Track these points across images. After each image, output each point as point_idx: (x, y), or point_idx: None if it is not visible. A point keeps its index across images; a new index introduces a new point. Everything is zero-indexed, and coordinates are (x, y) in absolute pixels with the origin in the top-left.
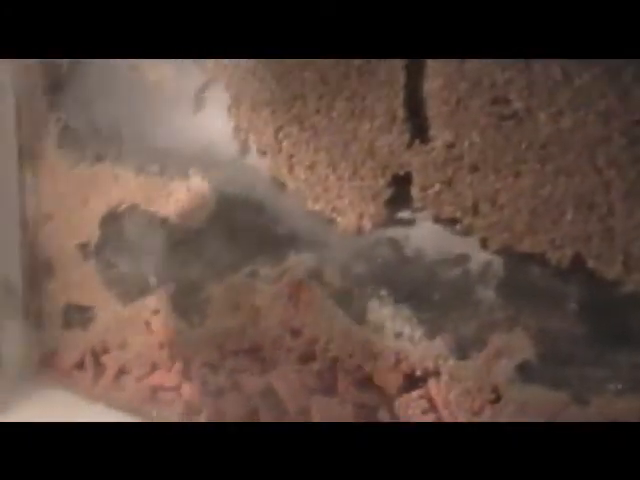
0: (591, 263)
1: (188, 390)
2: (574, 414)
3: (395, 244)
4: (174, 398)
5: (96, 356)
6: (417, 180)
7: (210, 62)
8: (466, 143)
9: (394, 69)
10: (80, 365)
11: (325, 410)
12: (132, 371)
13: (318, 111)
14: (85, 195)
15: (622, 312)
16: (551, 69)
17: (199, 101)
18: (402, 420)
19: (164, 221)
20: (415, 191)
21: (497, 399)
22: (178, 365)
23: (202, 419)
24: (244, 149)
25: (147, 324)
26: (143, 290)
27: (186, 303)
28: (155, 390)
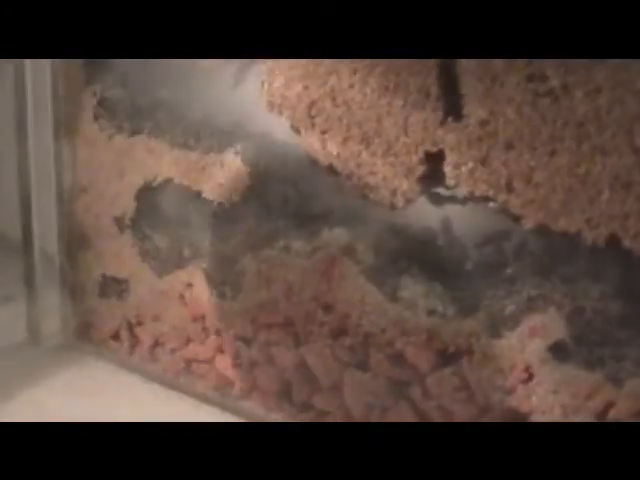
0: (627, 243)
1: (221, 363)
2: (608, 394)
3: (429, 221)
4: (208, 370)
5: (131, 327)
6: (450, 157)
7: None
8: (501, 120)
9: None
10: (116, 336)
11: (357, 385)
12: (166, 343)
13: (352, 86)
14: (121, 168)
15: None
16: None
17: (238, 75)
18: (434, 397)
19: (198, 195)
20: (448, 168)
21: (530, 378)
22: (212, 338)
23: (235, 392)
24: (278, 124)
25: (181, 297)
26: (178, 263)
27: (220, 277)
28: (189, 362)
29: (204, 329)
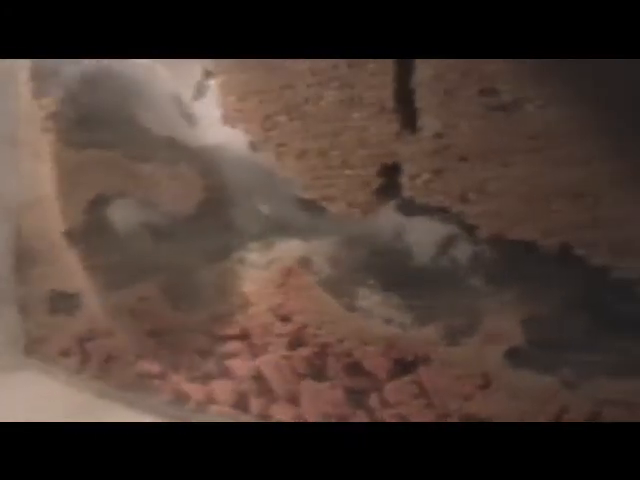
0: (579, 251)
1: (176, 377)
2: (563, 398)
3: (386, 232)
4: (162, 385)
5: (82, 343)
6: (406, 169)
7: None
8: (455, 133)
9: (383, 60)
10: (66, 352)
11: (315, 395)
12: (119, 358)
13: (307, 100)
14: (71, 182)
15: (609, 298)
16: (538, 62)
17: (195, 89)
18: (393, 405)
19: (152, 208)
20: (404, 180)
21: (487, 384)
22: (166, 352)
23: (190, 405)
24: (234, 138)
25: (134, 311)
26: (131, 277)
27: (175, 290)
28: (143, 377)
29: (158, 343)
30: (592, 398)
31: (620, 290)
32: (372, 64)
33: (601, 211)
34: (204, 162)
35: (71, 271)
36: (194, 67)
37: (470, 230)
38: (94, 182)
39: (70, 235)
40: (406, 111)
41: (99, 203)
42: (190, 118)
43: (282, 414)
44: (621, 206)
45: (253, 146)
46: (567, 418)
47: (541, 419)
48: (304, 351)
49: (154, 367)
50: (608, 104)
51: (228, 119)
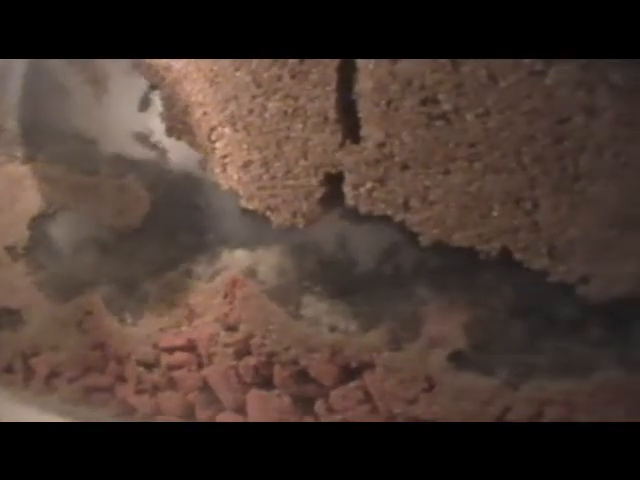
0: (518, 255)
1: (123, 390)
2: (506, 399)
3: (329, 241)
4: (109, 398)
5: (26, 359)
6: (349, 179)
7: (144, 65)
8: (397, 142)
9: (326, 71)
10: (9, 368)
11: (261, 404)
12: (64, 373)
13: (251, 111)
14: (13, 196)
15: (548, 300)
16: (477, 71)
17: (141, 102)
18: (339, 411)
19: (98, 221)
20: (347, 189)
21: (431, 388)
22: (112, 365)
23: (137, 418)
24: (178, 149)
25: (80, 325)
26: (76, 291)
27: (120, 303)
28: (88, 391)
29: (104, 356)
30: (533, 398)
31: (559, 292)
32: (315, 75)
33: (540, 216)
34: (150, 175)
35: (15, 286)
36: (139, 80)
37: (413, 237)
38: (38, 196)
39: (13, 250)
40: (349, 121)
41: (43, 217)
42: (135, 131)
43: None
44: (558, 211)
45: (198, 158)
46: (510, 419)
47: (484, 419)
48: (251, 360)
49: (100, 380)
50: (544, 111)
51: (173, 131)
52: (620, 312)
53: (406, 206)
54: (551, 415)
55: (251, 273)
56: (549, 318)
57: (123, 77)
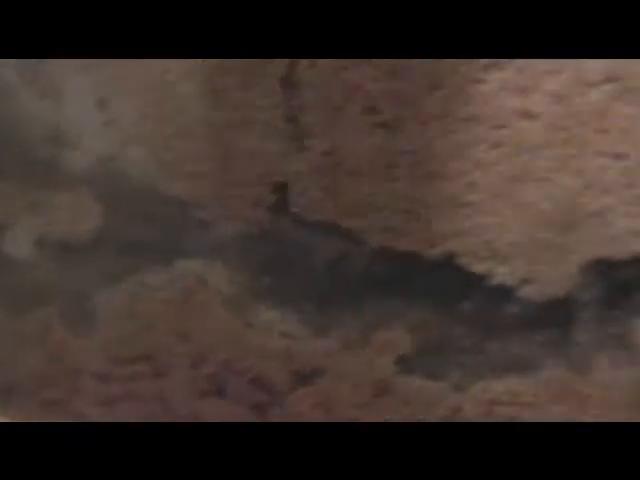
0: (461, 259)
1: (80, 402)
2: (454, 401)
3: (278, 249)
4: (65, 411)
5: None
6: (296, 187)
7: (92, 78)
8: (342, 151)
9: (272, 81)
10: None
11: (217, 412)
12: (20, 388)
13: (199, 122)
14: None
15: (491, 302)
16: (417, 79)
17: (94, 115)
18: (294, 417)
19: (50, 234)
20: (295, 198)
21: (380, 392)
22: (68, 377)
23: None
24: (130, 160)
25: (34, 339)
26: (29, 305)
27: (74, 315)
28: (45, 405)
29: (60, 369)
30: (481, 399)
31: (501, 294)
32: (261, 86)
33: (480, 219)
34: (102, 187)
35: None
36: (88, 93)
37: (360, 244)
38: None
39: None
40: (295, 131)
41: None
42: (87, 143)
43: None
44: (499, 214)
45: (150, 169)
46: (459, 420)
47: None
48: (206, 369)
49: (56, 394)
50: (479, 120)
51: (125, 144)
52: (561, 312)
53: (352, 213)
54: (500, 415)
55: (204, 283)
56: (491, 319)
57: (73, 92)
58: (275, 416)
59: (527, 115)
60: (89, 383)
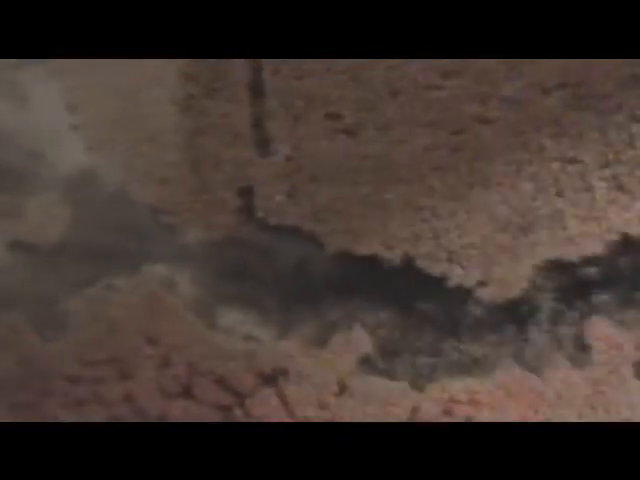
0: (420, 261)
1: (48, 405)
2: (413, 400)
3: (243, 252)
4: (34, 415)
5: None
6: (261, 192)
7: (61, 84)
8: (305, 156)
9: (237, 88)
10: None
11: (183, 413)
12: None
13: (167, 128)
14: None
15: (449, 303)
16: (378, 86)
17: (61, 121)
18: (257, 417)
19: (18, 238)
20: (259, 202)
21: (342, 392)
22: (37, 381)
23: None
24: (98, 167)
25: (2, 343)
26: None
27: (42, 319)
28: (14, 408)
29: (28, 372)
30: (439, 398)
31: (458, 295)
32: (226, 92)
33: (438, 223)
34: (70, 192)
35: None
36: (57, 99)
37: (321, 247)
38: None
39: None
40: (260, 136)
41: None
42: (56, 149)
43: None
44: (456, 218)
45: (117, 174)
46: (418, 419)
47: (393, 420)
48: (172, 371)
49: (25, 397)
50: (438, 125)
51: (92, 149)
52: (516, 313)
53: (314, 217)
54: (458, 414)
55: (170, 286)
56: (450, 321)
57: (40, 96)
58: (239, 416)
59: (484, 120)
60: (58, 386)
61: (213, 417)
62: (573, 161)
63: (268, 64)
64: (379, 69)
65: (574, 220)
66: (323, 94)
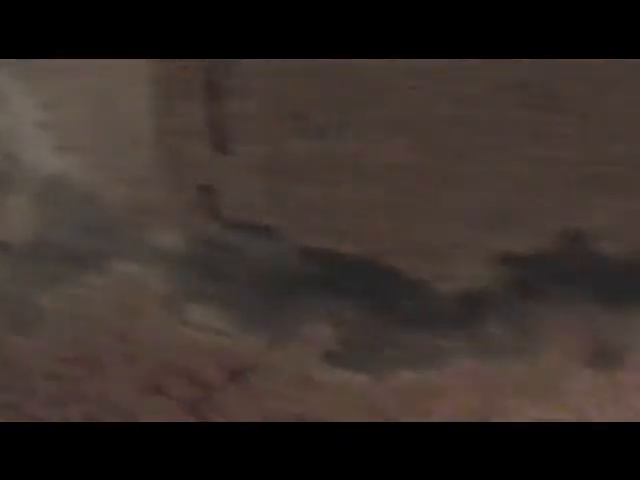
0: (379, 257)
1: (30, 405)
2: (374, 393)
3: (210, 251)
4: (17, 415)
5: None
6: (223, 190)
7: (33, 83)
8: (270, 154)
9: (194, 86)
10: None
11: (153, 409)
12: None
13: (139, 129)
14: None
15: (409, 297)
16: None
17: (31, 121)
18: (227, 413)
19: None
20: (226, 201)
21: (308, 386)
22: (16, 381)
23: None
24: (68, 166)
25: None
26: None
27: (18, 318)
28: None
29: (7, 372)
30: (401, 391)
31: (418, 289)
32: (183, 89)
33: (397, 221)
34: (43, 192)
35: None
36: (27, 99)
37: (285, 244)
38: None
39: None
40: (220, 135)
41: None
42: (26, 149)
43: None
44: (421, 215)
45: (89, 175)
46: (380, 410)
47: (355, 414)
48: (145, 368)
49: (6, 397)
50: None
51: (62, 150)
52: (472, 306)
53: (279, 214)
54: (418, 407)
55: (141, 283)
56: (410, 314)
57: (17, 87)
58: (209, 413)
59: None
60: (38, 385)
61: (182, 413)
62: (534, 158)
63: (232, 64)
64: (343, 68)
65: (526, 215)
66: (288, 95)
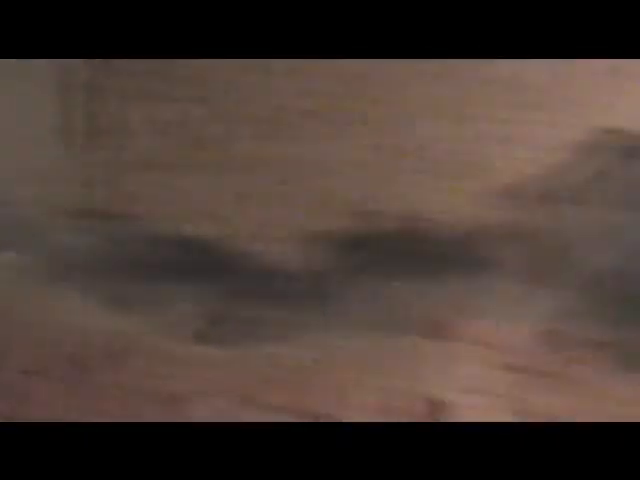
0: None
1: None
2: (244, 368)
3: (83, 238)
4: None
5: None
6: (85, 182)
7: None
8: (132, 146)
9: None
10: None
11: (40, 397)
12: None
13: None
14: None
15: (264, 279)
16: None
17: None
18: (100, 387)
19: None
20: (85, 192)
21: (181, 363)
22: None
23: None
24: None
25: None
26: None
27: None
28: None
29: None
30: (265, 364)
31: (272, 271)
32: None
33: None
34: None
35: None
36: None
37: (150, 231)
38: None
39: None
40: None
41: None
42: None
43: None
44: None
45: None
46: (249, 384)
47: (228, 395)
48: (24, 351)
49: None
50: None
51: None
52: (323, 282)
53: (142, 204)
54: (278, 378)
55: (18, 271)
56: (266, 293)
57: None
58: (89, 392)
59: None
60: None
61: (63, 394)
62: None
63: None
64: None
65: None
66: (143, 88)
